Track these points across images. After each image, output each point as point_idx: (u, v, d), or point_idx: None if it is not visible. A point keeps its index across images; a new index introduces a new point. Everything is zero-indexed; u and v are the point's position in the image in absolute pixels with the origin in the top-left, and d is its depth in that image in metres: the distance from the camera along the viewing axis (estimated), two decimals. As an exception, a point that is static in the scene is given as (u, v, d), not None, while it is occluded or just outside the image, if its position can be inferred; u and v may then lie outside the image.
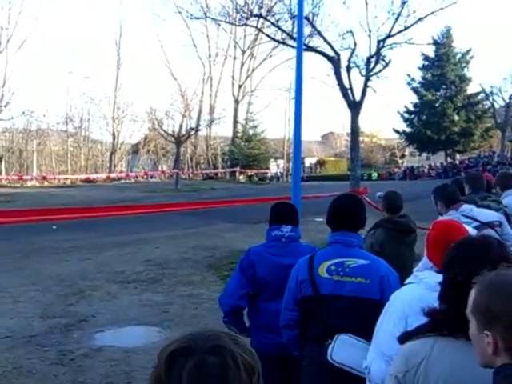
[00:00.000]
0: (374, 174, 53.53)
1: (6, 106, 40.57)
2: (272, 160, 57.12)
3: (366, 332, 2.99)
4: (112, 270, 11.07)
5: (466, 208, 4.99)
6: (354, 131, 19.66)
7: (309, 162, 63.28)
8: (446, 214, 4.95)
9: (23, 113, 44.73)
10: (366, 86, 18.95)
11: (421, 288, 2.69)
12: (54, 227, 15.41)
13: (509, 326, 1.62)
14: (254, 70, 55.58)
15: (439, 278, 2.41)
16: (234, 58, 55.19)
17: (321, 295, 3.37)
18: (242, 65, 55.44)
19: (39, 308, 8.34)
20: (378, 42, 19.38)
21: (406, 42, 20.31)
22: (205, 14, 25.68)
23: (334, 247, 3.49)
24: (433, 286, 2.72)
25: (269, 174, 53.86)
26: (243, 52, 54.96)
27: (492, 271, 1.77)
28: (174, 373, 1.26)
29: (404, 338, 2.24)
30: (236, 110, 54.61)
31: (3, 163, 44.38)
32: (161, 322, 7.75)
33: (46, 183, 38.89)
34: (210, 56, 53.92)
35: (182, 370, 1.25)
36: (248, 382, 1.28)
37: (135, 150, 55.88)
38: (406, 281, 2.88)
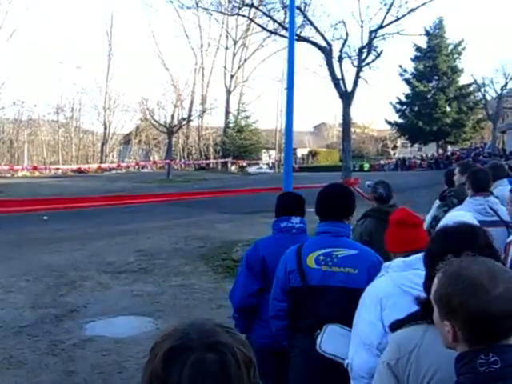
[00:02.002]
0: (366, 165, 53.64)
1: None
2: (264, 151, 57.12)
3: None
4: (103, 260, 11.06)
5: (493, 200, 5.01)
6: (346, 122, 19.65)
7: (301, 152, 63.30)
8: (471, 197, 5.04)
9: (14, 103, 44.51)
10: (357, 76, 18.92)
11: (390, 274, 2.75)
12: (45, 217, 15.37)
13: (466, 321, 1.63)
14: (245, 60, 55.47)
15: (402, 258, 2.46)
16: (226, 48, 55.07)
17: (309, 285, 3.36)
18: (234, 55, 55.34)
19: (30, 298, 8.33)
20: (370, 32, 19.32)
21: (398, 32, 20.27)
22: (196, 3, 25.60)
23: (322, 237, 3.48)
24: (401, 265, 2.78)
25: (261, 164, 53.83)
26: (235, 42, 54.85)
27: (456, 260, 1.77)
28: (174, 371, 1.22)
29: (395, 325, 2.25)
30: (228, 101, 54.55)
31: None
32: (152, 312, 7.76)
33: (37, 173, 38.72)
34: (201, 46, 53.79)
35: (182, 368, 1.22)
36: (247, 376, 1.26)
37: (127, 140, 55.74)
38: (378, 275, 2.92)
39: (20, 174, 38.62)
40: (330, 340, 3.22)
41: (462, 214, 4.35)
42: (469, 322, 1.63)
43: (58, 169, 41.45)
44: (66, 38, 79.90)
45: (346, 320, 3.13)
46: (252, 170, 50.24)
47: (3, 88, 40.67)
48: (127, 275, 9.89)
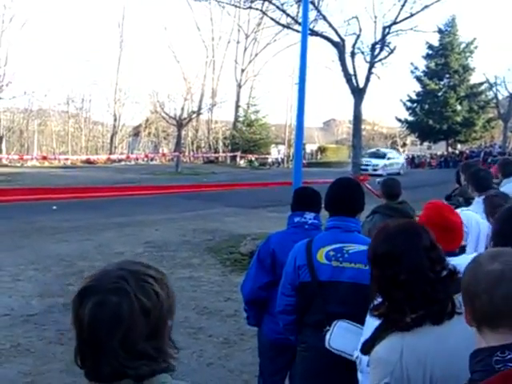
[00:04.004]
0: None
1: (7, 85, 40.45)
2: (273, 145, 57.02)
3: (364, 318, 2.99)
4: (111, 250, 11.08)
5: None
6: (357, 118, 19.61)
7: (310, 148, 63.15)
8: (479, 197, 4.97)
9: (25, 92, 44.56)
10: (370, 72, 18.86)
11: None
12: (54, 207, 15.40)
13: None
14: (257, 54, 55.33)
15: None
16: (238, 42, 54.91)
17: (319, 281, 3.34)
18: (246, 49, 55.19)
19: (38, 287, 8.36)
20: (384, 28, 19.26)
21: (411, 29, 20.22)
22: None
23: (332, 232, 3.45)
24: None
25: (269, 160, 53.79)
26: (247, 36, 54.68)
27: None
28: (81, 310, 1.47)
29: (367, 347, 2.22)
30: (238, 95, 54.43)
31: (4, 143, 44.29)
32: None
33: (46, 163, 38.77)
34: (213, 39, 53.63)
35: (85, 307, 1.46)
36: (144, 322, 1.48)
37: (136, 132, 55.77)
38: None
39: (29, 163, 38.68)
40: (339, 336, 3.20)
41: (469, 215, 4.34)
42: None
43: (67, 159, 41.52)
44: (78, 29, 79.79)
45: (356, 316, 3.11)
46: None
47: (15, 78, 40.65)
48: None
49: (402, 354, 2.02)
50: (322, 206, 3.78)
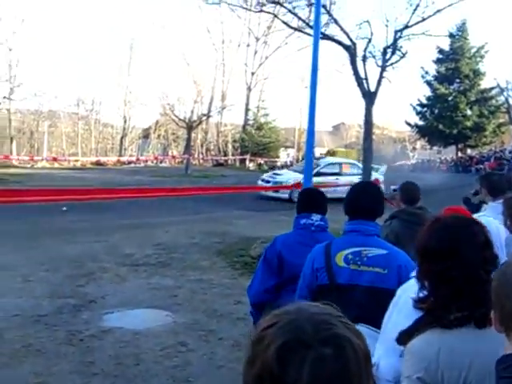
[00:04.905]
0: (382, 167, 53.15)
1: (18, 86, 40.65)
2: (282, 149, 57.05)
3: (381, 323, 2.95)
4: (121, 252, 11.09)
5: None
6: (368, 121, 19.54)
7: (319, 152, 63.09)
8: (493, 201, 4.90)
9: (35, 94, 44.77)
10: (381, 76, 18.81)
11: None
12: (64, 208, 15.45)
13: None
14: (267, 57, 55.37)
15: None
16: (248, 45, 54.98)
17: (337, 284, 3.31)
18: (256, 52, 55.25)
19: (49, 288, 8.36)
20: (395, 32, 19.21)
21: (423, 33, 20.15)
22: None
23: (351, 236, 3.42)
24: None
25: (278, 163, 53.77)
26: (257, 39, 54.74)
27: None
28: (291, 369, 1.10)
29: (404, 337, 2.15)
30: (248, 98, 54.48)
31: (14, 144, 44.53)
32: (169, 305, 7.76)
33: (56, 165, 38.93)
34: (223, 42, 53.74)
35: (300, 366, 1.10)
36: (365, 371, 1.14)
37: (146, 134, 55.95)
38: (412, 274, 2.84)
39: (39, 164, 38.84)
40: None
41: (489, 220, 4.28)
42: None
43: (77, 160, 41.68)
44: (88, 31, 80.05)
45: (373, 320, 3.07)
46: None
47: (25, 79, 40.88)
48: (145, 268, 9.90)
49: (439, 351, 1.98)
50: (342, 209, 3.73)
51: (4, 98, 30.77)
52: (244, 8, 26.63)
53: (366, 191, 3.59)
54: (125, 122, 52.45)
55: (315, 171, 19.41)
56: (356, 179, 19.60)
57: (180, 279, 9.25)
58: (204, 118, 43.04)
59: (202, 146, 53.75)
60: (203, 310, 7.60)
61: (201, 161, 48.78)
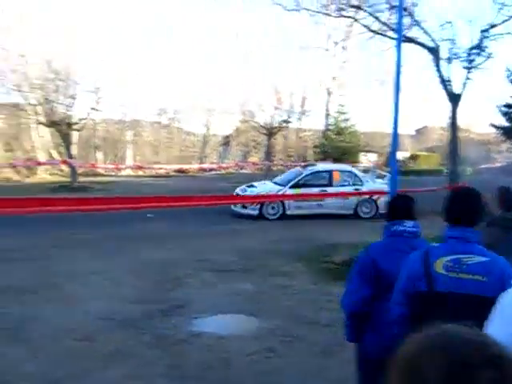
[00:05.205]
0: (469, 169, 51.71)
1: (103, 97, 42.04)
2: (362, 153, 56.41)
3: (480, 331, 2.84)
4: (205, 258, 11.24)
5: None
6: (454, 124, 19.06)
7: (401, 155, 62.07)
8: None
9: (119, 104, 46.15)
10: (467, 77, 18.33)
11: None
12: (150, 215, 15.84)
13: None
14: (346, 61, 54.95)
15: None
16: (327, 50, 54.73)
17: (436, 292, 3.21)
18: (335, 56, 54.93)
19: (137, 293, 8.57)
20: (481, 32, 18.67)
21: (508, 33, 19.49)
22: (299, 5, 25.54)
23: (450, 243, 3.32)
24: None
25: (360, 167, 53.18)
26: (336, 43, 54.43)
27: None
28: None
29: None
30: (328, 103, 54.23)
31: (100, 153, 46.14)
32: (254, 311, 7.78)
33: (140, 172, 39.95)
34: (302, 48, 53.72)
35: None
36: None
37: (226, 141, 56.61)
38: None
39: (123, 172, 39.96)
40: None
41: None
42: None
43: (160, 168, 42.60)
44: (170, 40, 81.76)
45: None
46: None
47: (111, 90, 42.19)
48: (228, 274, 9.99)
49: None
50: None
51: (92, 109, 31.86)
52: (324, 13, 26.51)
53: (467, 198, 3.47)
54: (206, 129, 53.29)
55: (293, 182, 18.11)
56: (350, 190, 17.97)
57: (263, 285, 9.28)
58: (284, 124, 43.12)
59: (281, 152, 53.87)
60: (287, 316, 7.58)
61: (281, 167, 48.87)
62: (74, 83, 31.18)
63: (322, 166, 20.22)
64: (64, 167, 35.02)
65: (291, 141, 55.22)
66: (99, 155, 46.76)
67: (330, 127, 53.20)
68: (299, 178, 18.43)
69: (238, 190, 18.82)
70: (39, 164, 36.10)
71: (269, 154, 40.79)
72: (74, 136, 32.29)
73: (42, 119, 31.73)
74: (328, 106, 54.12)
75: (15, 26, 31.37)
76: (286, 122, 43.94)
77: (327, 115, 53.82)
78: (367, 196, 18.07)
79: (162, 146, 52.25)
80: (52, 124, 30.71)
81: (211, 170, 44.13)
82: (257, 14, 67.60)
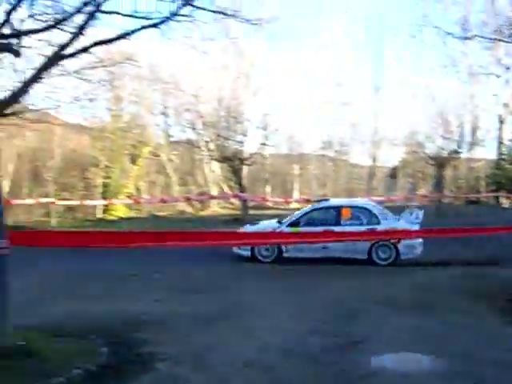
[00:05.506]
0: None
1: (272, 132, 43.38)
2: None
3: None
4: (379, 293, 11.13)
5: None
6: None
7: None
8: None
9: (287, 139, 47.33)
10: None
11: None
12: None
13: None
14: (519, 87, 52.08)
15: None
16: (498, 76, 52.29)
17: None
18: (507, 82, 52.31)
19: (313, 326, 8.63)
20: None
21: None
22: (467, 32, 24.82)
23: None
24: None
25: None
26: (507, 68, 51.88)
27: None
28: None
29: None
30: (500, 131, 51.64)
31: (268, 186, 47.53)
32: (435, 349, 7.47)
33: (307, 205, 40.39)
34: (470, 75, 51.79)
35: None
36: None
37: (392, 173, 55.80)
38: None
39: (291, 205, 40.68)
40: None
41: None
42: None
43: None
44: (336, 74, 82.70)
45: None
46: None
47: (277, 125, 43.52)
48: (405, 309, 9.76)
49: None
50: None
51: (261, 144, 33.27)
52: (495, 39, 25.53)
53: None
54: (372, 161, 52.94)
55: (293, 219, 16.01)
56: (362, 229, 15.10)
57: (442, 322, 8.94)
58: (454, 154, 41.67)
59: (451, 183, 52.01)
60: (470, 357, 7.17)
61: (451, 199, 47.12)
62: (244, 120, 32.63)
63: (332, 202, 17.47)
64: (234, 200, 36.50)
65: (461, 172, 53.16)
66: (267, 188, 48.18)
67: (503, 156, 50.65)
68: (300, 214, 16.41)
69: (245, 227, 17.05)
70: (212, 198, 37.95)
71: (439, 186, 39.52)
72: (244, 170, 33.62)
73: (215, 155, 33.42)
74: (501, 134, 51.56)
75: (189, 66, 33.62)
76: (456, 152, 42.41)
77: (500, 144, 51.27)
78: (385, 238, 15.00)
79: (328, 178, 52.66)
80: (224, 159, 32.24)
81: (379, 202, 43.58)
82: (422, 42, 66.45)
